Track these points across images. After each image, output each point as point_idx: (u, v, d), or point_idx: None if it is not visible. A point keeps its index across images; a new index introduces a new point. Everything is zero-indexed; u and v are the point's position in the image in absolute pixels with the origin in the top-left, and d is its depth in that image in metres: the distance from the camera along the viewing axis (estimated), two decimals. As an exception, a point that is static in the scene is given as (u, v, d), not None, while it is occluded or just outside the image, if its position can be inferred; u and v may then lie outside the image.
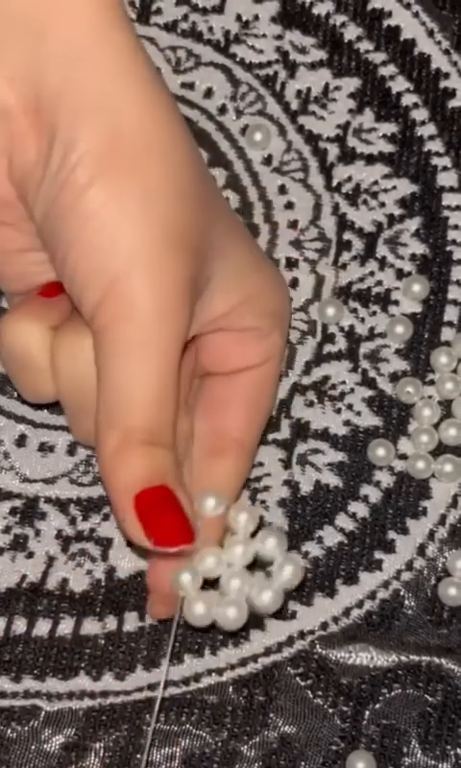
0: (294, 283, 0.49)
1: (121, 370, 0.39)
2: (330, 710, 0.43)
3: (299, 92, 0.51)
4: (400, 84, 0.52)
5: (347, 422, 0.47)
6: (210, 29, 0.52)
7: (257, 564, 0.40)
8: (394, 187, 0.50)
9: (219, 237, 0.41)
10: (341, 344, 0.48)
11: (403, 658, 0.44)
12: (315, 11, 0.52)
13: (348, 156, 0.51)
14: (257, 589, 0.39)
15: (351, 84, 0.52)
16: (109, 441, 0.39)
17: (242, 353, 0.43)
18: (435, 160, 0.51)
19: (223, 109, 0.51)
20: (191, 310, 0.40)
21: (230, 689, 0.43)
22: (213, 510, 0.40)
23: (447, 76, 0.52)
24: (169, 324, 0.39)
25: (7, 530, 0.45)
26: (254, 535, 0.40)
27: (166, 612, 0.42)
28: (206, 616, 0.39)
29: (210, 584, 0.40)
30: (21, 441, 0.46)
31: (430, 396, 0.47)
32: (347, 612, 0.44)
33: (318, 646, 0.44)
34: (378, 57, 0.52)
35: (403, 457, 0.47)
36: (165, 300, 0.39)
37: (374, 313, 0.49)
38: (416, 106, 0.51)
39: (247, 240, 0.44)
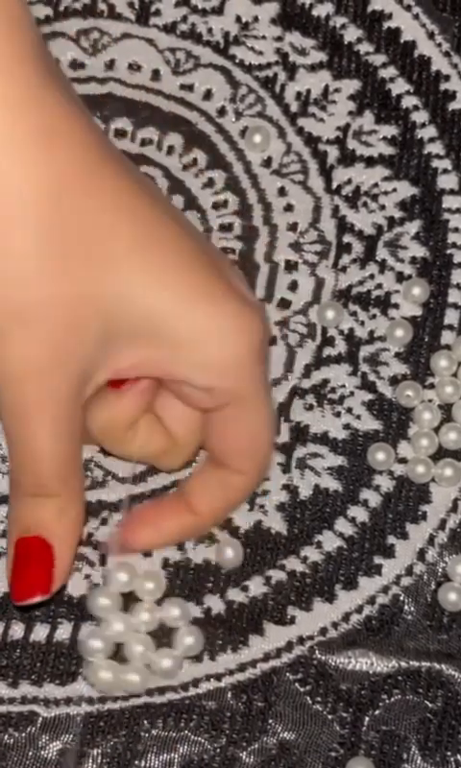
0: (293, 286, 0.49)
1: (14, 430, 0.40)
2: (330, 716, 0.43)
3: (298, 94, 0.51)
4: (400, 87, 0.51)
5: (346, 426, 0.47)
6: (210, 30, 0.52)
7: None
8: (394, 190, 0.50)
9: (133, 270, 0.39)
10: (341, 347, 0.48)
11: (403, 663, 0.44)
12: (315, 12, 0.52)
13: (348, 159, 0.50)
14: (158, 656, 0.42)
15: (351, 86, 0.51)
16: (9, 487, 0.42)
17: (190, 398, 0.42)
18: (435, 163, 0.50)
19: (222, 111, 0.51)
20: (72, 369, 0.39)
21: (229, 695, 0.43)
22: (125, 585, 0.43)
23: (447, 78, 0.52)
24: (46, 389, 0.39)
25: (4, 535, 0.45)
26: (160, 602, 0.43)
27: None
28: (113, 683, 0.42)
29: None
30: (19, 444, 0.46)
31: (430, 400, 0.47)
32: (346, 617, 0.44)
33: (317, 652, 0.44)
34: (379, 59, 0.52)
35: (403, 461, 0.46)
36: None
37: (373, 316, 0.48)
38: (416, 108, 0.51)
39: (189, 269, 0.40)
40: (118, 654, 0.43)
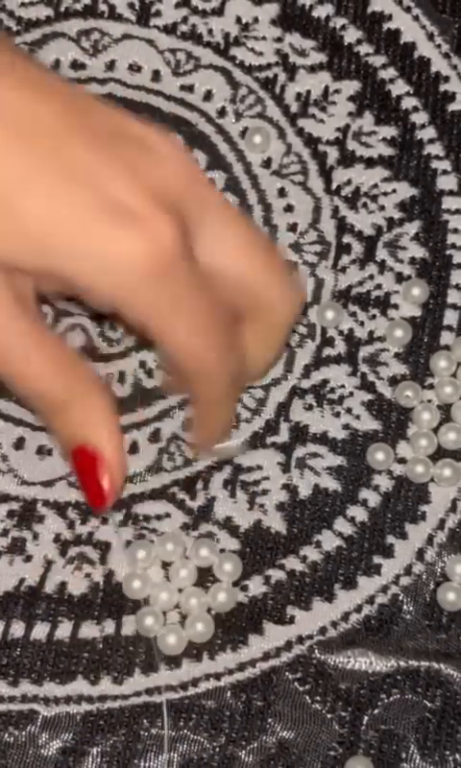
0: (293, 286, 0.49)
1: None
2: (329, 716, 0.43)
3: (298, 95, 0.51)
4: (399, 88, 0.51)
5: (346, 426, 0.47)
6: (210, 31, 0.52)
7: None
8: (393, 191, 0.50)
9: None
10: (340, 347, 0.48)
11: (402, 663, 0.44)
12: (315, 13, 0.52)
13: (347, 160, 0.50)
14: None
15: (351, 87, 0.51)
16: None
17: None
18: (435, 164, 0.50)
19: (222, 112, 0.51)
20: None
21: (229, 694, 0.43)
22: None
23: (446, 79, 0.52)
24: None
25: (5, 533, 0.45)
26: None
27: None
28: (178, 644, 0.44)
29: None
30: (19, 444, 0.46)
31: (429, 401, 0.47)
32: (345, 616, 0.44)
33: (316, 651, 0.44)
34: (378, 60, 0.52)
35: (403, 461, 0.46)
36: None
37: (373, 317, 0.48)
38: (416, 109, 0.51)
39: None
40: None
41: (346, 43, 0.52)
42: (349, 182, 0.50)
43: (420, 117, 0.51)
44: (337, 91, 0.51)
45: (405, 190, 0.50)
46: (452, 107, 0.51)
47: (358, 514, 0.46)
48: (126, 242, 0.38)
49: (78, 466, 0.42)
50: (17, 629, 0.44)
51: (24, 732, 0.43)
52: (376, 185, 0.50)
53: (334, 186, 0.50)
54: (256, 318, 0.43)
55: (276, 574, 0.45)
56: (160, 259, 0.38)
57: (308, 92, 0.51)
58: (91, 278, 0.38)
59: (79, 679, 0.43)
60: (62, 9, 0.52)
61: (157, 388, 0.47)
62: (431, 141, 0.51)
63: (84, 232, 0.38)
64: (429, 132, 0.51)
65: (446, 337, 0.48)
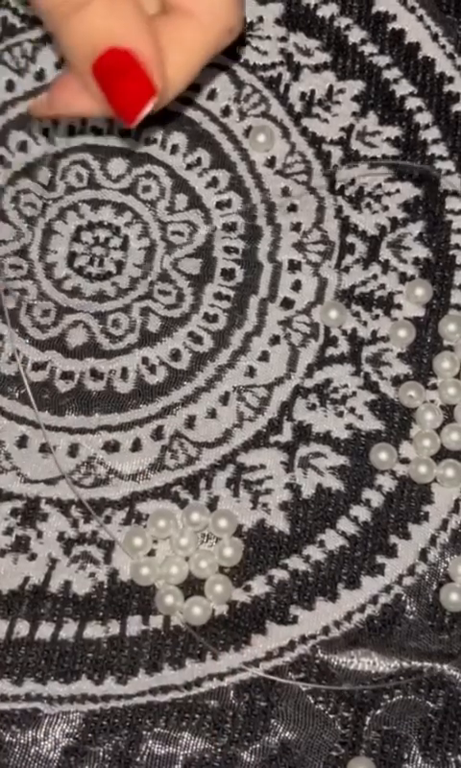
0: (297, 286, 0.49)
1: None
2: (331, 716, 0.43)
3: (303, 94, 0.51)
4: (403, 88, 0.51)
5: (349, 426, 0.47)
6: (214, 30, 0.52)
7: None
8: (397, 191, 0.50)
9: None
10: (343, 347, 0.48)
11: (405, 663, 0.44)
12: (320, 13, 0.52)
13: (351, 159, 0.50)
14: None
15: (355, 86, 0.51)
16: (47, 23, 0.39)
17: None
18: (439, 164, 0.50)
19: (226, 111, 0.51)
20: None
21: (231, 694, 0.43)
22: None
23: (451, 80, 0.52)
24: None
25: (8, 531, 0.45)
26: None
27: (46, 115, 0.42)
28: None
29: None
30: (22, 442, 0.46)
31: (432, 401, 0.47)
32: (349, 616, 0.44)
33: (319, 651, 0.44)
34: (383, 60, 0.52)
35: (405, 461, 0.46)
36: None
37: (376, 316, 0.48)
38: (420, 109, 0.51)
39: None
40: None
41: (350, 43, 0.52)
42: (352, 182, 0.50)
43: (424, 117, 0.51)
44: (341, 91, 0.51)
45: (409, 190, 0.50)
46: (456, 107, 0.51)
47: (361, 513, 0.46)
48: None
49: (105, 72, 0.38)
50: (22, 628, 0.43)
51: (27, 732, 0.42)
52: (379, 185, 0.50)
53: (338, 186, 0.50)
54: (186, 11, 0.39)
55: (279, 574, 0.45)
56: None
57: (313, 92, 0.51)
58: None
59: (83, 678, 0.43)
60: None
61: (160, 384, 0.47)
62: (435, 142, 0.51)
63: None
64: (433, 133, 0.51)
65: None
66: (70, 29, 0.38)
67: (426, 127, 0.51)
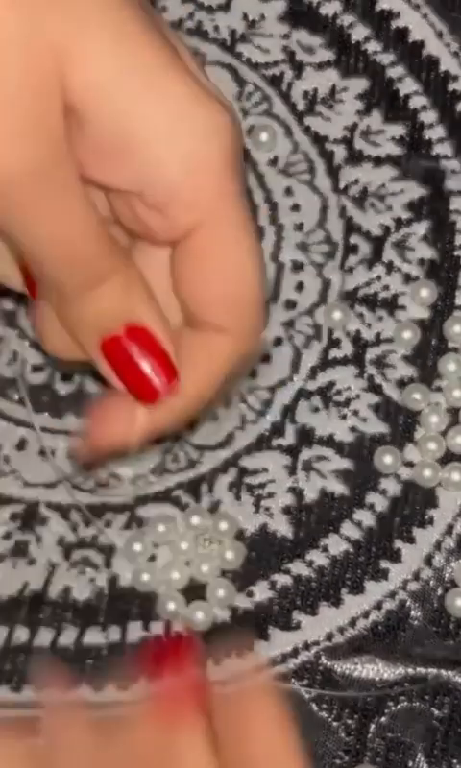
0: (300, 287, 0.48)
1: (34, 228, 0.33)
2: (335, 723, 0.43)
3: (305, 93, 0.51)
4: (408, 86, 0.51)
5: (353, 429, 0.46)
6: (216, 28, 0.51)
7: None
8: (402, 190, 0.49)
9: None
10: (347, 349, 0.47)
11: (410, 670, 0.43)
12: (323, 10, 0.52)
13: (355, 159, 0.50)
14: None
15: (359, 85, 0.51)
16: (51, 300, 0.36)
17: (143, 223, 0.35)
18: (444, 163, 0.50)
19: (228, 109, 0.51)
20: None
21: (234, 701, 0.43)
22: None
23: (455, 78, 0.51)
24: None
25: (7, 536, 0.44)
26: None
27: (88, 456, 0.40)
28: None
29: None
30: (21, 445, 0.46)
31: (438, 403, 0.47)
32: (353, 622, 0.44)
33: (323, 658, 0.43)
34: (386, 58, 0.51)
35: (410, 465, 0.46)
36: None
37: (380, 318, 0.48)
38: (424, 108, 0.51)
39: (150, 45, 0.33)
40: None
41: (354, 41, 0.51)
42: (356, 182, 0.50)
43: (428, 116, 0.51)
44: (345, 89, 0.51)
45: (414, 190, 0.50)
46: (461, 106, 0.51)
47: (365, 518, 0.45)
48: (219, 116, 0.34)
49: (120, 352, 0.35)
50: (21, 635, 0.43)
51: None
52: (383, 185, 0.50)
53: (342, 186, 0.49)
54: (217, 327, 0.37)
55: (282, 579, 0.44)
56: (237, 145, 0.34)
57: (316, 90, 0.51)
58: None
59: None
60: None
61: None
62: (440, 141, 0.50)
63: None
64: (438, 132, 0.50)
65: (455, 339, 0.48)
66: (79, 308, 0.35)
67: (431, 126, 0.50)
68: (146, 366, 0.36)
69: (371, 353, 0.47)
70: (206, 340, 0.37)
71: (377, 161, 0.50)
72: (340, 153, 0.50)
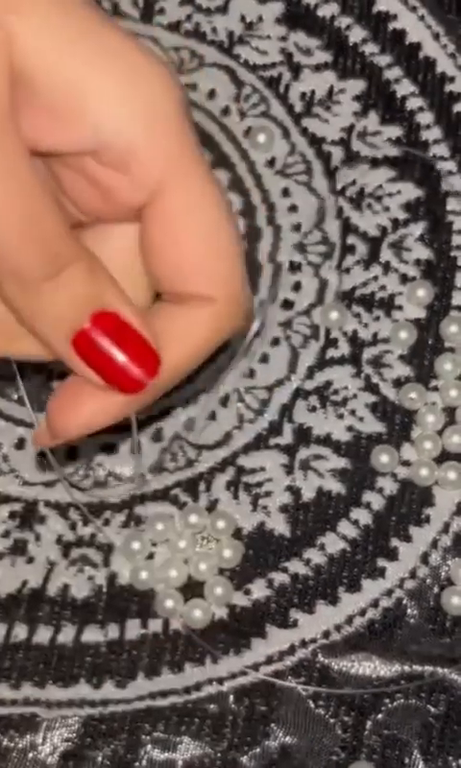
0: (297, 287, 0.48)
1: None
2: (332, 720, 0.43)
3: (303, 94, 0.51)
4: (405, 88, 0.51)
5: (349, 428, 0.47)
6: (214, 29, 0.52)
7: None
8: (398, 191, 0.50)
9: None
10: (344, 348, 0.48)
11: (406, 667, 0.43)
12: (320, 12, 0.52)
13: (352, 160, 0.50)
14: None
15: (356, 86, 0.51)
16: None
17: (108, 188, 0.34)
18: (440, 164, 0.50)
19: (226, 111, 0.51)
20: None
21: (231, 699, 0.43)
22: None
23: (452, 80, 0.51)
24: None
25: (6, 534, 0.45)
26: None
27: (52, 442, 0.37)
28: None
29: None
30: (20, 444, 0.46)
31: (434, 403, 0.47)
32: (349, 620, 0.44)
33: (320, 655, 0.43)
34: (384, 59, 0.51)
35: (407, 464, 0.46)
36: None
37: (377, 318, 0.48)
38: (421, 109, 0.51)
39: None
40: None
41: (351, 43, 0.52)
42: (353, 183, 0.50)
43: (425, 117, 0.51)
44: (342, 91, 0.51)
45: (410, 191, 0.50)
46: (458, 107, 0.51)
47: (362, 516, 0.45)
48: (165, 73, 0.34)
49: (93, 345, 0.33)
50: (20, 632, 0.43)
51: (25, 736, 0.42)
52: (380, 186, 0.50)
53: (339, 187, 0.50)
54: (204, 298, 0.35)
55: (279, 577, 0.44)
56: (186, 101, 0.34)
57: (313, 91, 0.51)
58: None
59: (81, 683, 0.43)
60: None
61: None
62: (437, 142, 0.50)
63: None
64: (435, 133, 0.51)
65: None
66: (42, 300, 0.33)
67: (428, 127, 0.51)
68: (123, 356, 0.34)
69: (368, 353, 0.48)
70: (186, 313, 0.35)
71: (374, 162, 0.50)
72: (337, 154, 0.50)
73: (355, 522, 0.45)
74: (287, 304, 0.48)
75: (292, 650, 0.44)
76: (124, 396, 0.35)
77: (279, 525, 0.45)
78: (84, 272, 0.34)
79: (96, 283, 0.34)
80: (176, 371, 0.35)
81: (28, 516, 0.45)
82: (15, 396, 0.46)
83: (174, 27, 0.52)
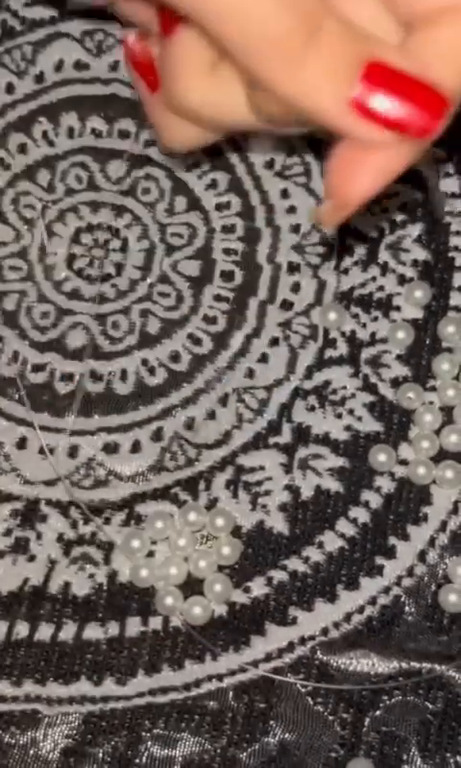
0: (296, 287, 0.49)
1: None
2: (330, 717, 0.43)
3: (302, 96, 0.51)
4: (402, 90, 0.51)
5: (348, 427, 0.47)
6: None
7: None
8: (396, 193, 0.50)
9: None
10: (342, 349, 0.48)
11: (404, 665, 0.44)
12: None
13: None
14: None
15: (354, 88, 0.51)
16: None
17: None
18: (437, 166, 0.50)
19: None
20: None
21: (231, 695, 0.43)
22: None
23: (449, 82, 0.52)
24: None
25: (8, 533, 0.45)
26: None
27: (338, 218, 0.36)
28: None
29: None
30: (22, 443, 0.46)
31: (431, 403, 0.47)
32: (348, 617, 0.44)
33: (319, 652, 0.44)
34: (382, 62, 0.52)
35: (404, 463, 0.46)
36: None
37: (375, 318, 0.48)
38: (419, 111, 0.51)
39: None
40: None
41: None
42: (351, 184, 0.50)
43: (423, 119, 0.51)
44: (340, 93, 0.51)
45: (408, 192, 0.50)
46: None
47: (360, 515, 0.46)
48: None
49: (367, 101, 0.31)
50: (21, 629, 0.44)
51: (26, 733, 0.42)
52: (378, 187, 0.50)
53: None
54: (447, 7, 0.33)
55: (278, 575, 0.45)
56: None
57: (311, 94, 0.51)
58: None
59: (82, 679, 0.43)
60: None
61: (160, 386, 0.47)
62: (435, 143, 0.51)
63: None
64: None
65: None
66: (309, 70, 0.32)
67: (425, 129, 0.51)
68: (407, 106, 0.33)
69: (366, 353, 0.48)
70: (441, 32, 0.33)
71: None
72: (335, 155, 0.50)
73: (354, 521, 0.46)
74: (286, 305, 0.48)
75: (291, 647, 0.44)
76: (408, 146, 0.34)
77: (278, 523, 0.45)
78: (340, 26, 0.32)
79: (355, 35, 0.32)
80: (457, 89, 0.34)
81: (29, 514, 0.45)
82: (17, 396, 0.47)
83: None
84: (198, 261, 0.49)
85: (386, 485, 0.46)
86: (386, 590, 0.45)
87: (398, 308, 0.49)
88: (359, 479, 0.46)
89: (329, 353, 0.48)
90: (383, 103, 0.33)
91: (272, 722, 0.43)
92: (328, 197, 0.35)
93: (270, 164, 0.50)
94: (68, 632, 0.44)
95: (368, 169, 0.35)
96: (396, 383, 0.47)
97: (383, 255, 0.49)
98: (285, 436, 0.47)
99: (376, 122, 0.33)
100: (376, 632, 0.44)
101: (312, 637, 0.44)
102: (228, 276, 0.49)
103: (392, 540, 0.45)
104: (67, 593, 0.44)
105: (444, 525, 0.46)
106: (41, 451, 0.46)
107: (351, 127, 0.33)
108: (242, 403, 0.47)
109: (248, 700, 0.43)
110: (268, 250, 0.49)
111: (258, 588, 0.45)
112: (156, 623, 0.44)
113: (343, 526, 0.45)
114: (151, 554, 0.45)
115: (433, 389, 0.47)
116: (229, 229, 0.49)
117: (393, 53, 0.33)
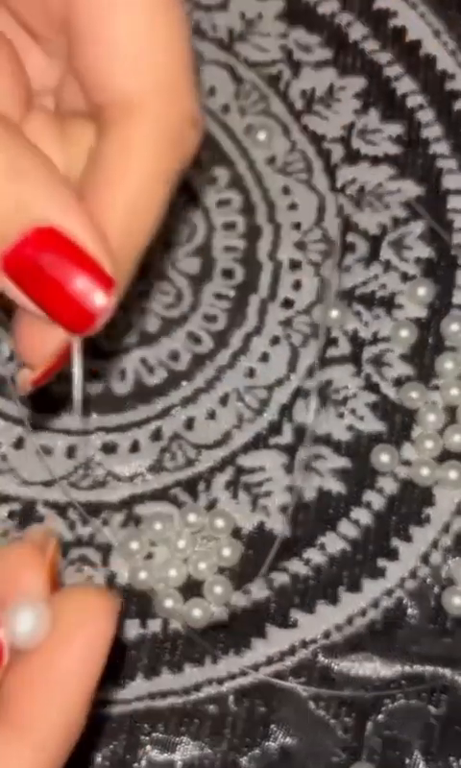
0: (297, 285, 0.48)
1: None
2: (332, 721, 0.43)
3: (303, 92, 0.51)
4: (405, 85, 0.51)
5: (350, 427, 0.46)
6: (214, 27, 0.51)
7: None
8: (399, 189, 0.49)
9: None
10: (344, 347, 0.47)
11: (407, 668, 0.43)
12: (320, 9, 0.52)
13: (352, 158, 0.50)
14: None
15: (357, 83, 0.51)
16: None
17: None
18: (441, 162, 0.50)
19: (226, 108, 0.51)
20: None
21: (231, 699, 0.43)
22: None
23: (453, 77, 0.51)
24: None
25: (5, 534, 0.44)
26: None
27: (41, 381, 0.31)
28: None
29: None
30: (19, 443, 0.46)
31: (434, 402, 0.47)
32: (350, 620, 0.44)
33: (320, 655, 0.43)
34: (384, 57, 0.51)
35: (407, 463, 0.46)
36: None
37: (378, 317, 0.48)
38: (422, 107, 0.51)
39: None
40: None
41: (351, 40, 0.51)
42: (354, 181, 0.50)
43: (426, 115, 0.51)
44: (342, 88, 0.51)
45: (411, 189, 0.50)
46: (458, 105, 0.51)
47: (362, 516, 0.45)
48: None
49: (26, 268, 0.26)
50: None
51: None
52: (381, 184, 0.50)
53: (339, 184, 0.49)
54: (130, 103, 0.27)
55: (279, 577, 0.44)
56: None
57: (313, 89, 0.51)
58: None
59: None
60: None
61: (159, 385, 0.47)
62: (437, 140, 0.50)
63: None
64: (435, 131, 0.50)
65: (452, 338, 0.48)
66: None
67: (428, 124, 0.50)
68: (73, 280, 0.27)
69: (368, 352, 0.47)
70: (120, 134, 0.28)
71: (375, 160, 0.50)
72: (337, 151, 0.50)
73: (356, 522, 0.45)
74: (287, 303, 0.48)
75: (292, 650, 0.43)
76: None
77: (279, 525, 0.45)
78: (31, 186, 0.26)
79: (21, 188, 0.26)
80: (128, 212, 0.28)
81: (26, 515, 0.45)
82: (16, 397, 0.46)
83: (173, 24, 0.51)
84: (198, 258, 0.48)
85: (389, 485, 0.46)
86: (389, 593, 0.44)
87: (400, 306, 0.48)
88: (361, 480, 0.46)
89: (331, 352, 0.47)
90: (39, 275, 0.27)
91: (273, 726, 0.42)
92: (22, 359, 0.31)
93: (271, 160, 0.50)
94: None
95: (48, 332, 0.29)
96: (398, 382, 0.47)
97: (386, 253, 0.49)
98: (286, 436, 0.46)
99: (23, 288, 0.28)
100: (378, 635, 0.44)
101: (314, 640, 0.43)
102: (228, 273, 0.48)
103: (395, 542, 0.45)
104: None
105: (447, 527, 0.45)
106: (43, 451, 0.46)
107: (6, 287, 0.28)
108: (242, 403, 0.46)
109: (248, 704, 0.43)
110: (269, 246, 0.49)
111: (259, 590, 0.44)
112: (155, 626, 0.44)
113: (345, 528, 0.45)
114: (150, 556, 0.44)
115: (436, 388, 0.47)
116: (230, 226, 0.49)
117: (82, 221, 0.27)
